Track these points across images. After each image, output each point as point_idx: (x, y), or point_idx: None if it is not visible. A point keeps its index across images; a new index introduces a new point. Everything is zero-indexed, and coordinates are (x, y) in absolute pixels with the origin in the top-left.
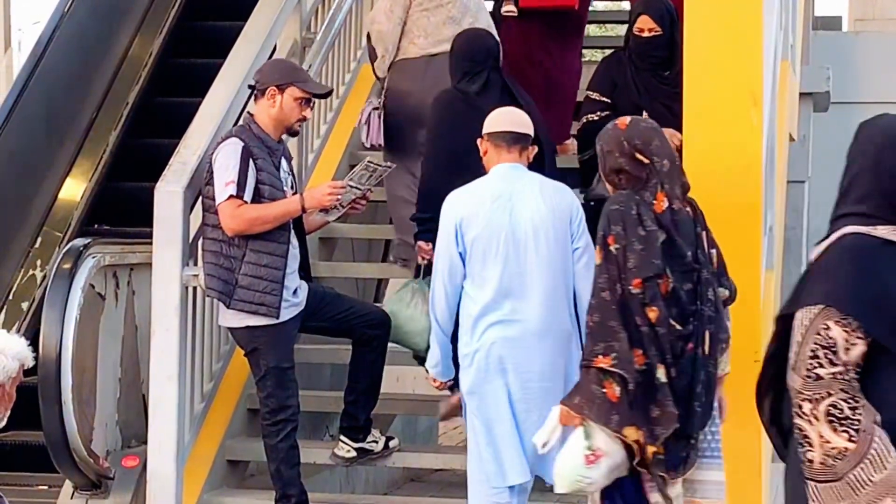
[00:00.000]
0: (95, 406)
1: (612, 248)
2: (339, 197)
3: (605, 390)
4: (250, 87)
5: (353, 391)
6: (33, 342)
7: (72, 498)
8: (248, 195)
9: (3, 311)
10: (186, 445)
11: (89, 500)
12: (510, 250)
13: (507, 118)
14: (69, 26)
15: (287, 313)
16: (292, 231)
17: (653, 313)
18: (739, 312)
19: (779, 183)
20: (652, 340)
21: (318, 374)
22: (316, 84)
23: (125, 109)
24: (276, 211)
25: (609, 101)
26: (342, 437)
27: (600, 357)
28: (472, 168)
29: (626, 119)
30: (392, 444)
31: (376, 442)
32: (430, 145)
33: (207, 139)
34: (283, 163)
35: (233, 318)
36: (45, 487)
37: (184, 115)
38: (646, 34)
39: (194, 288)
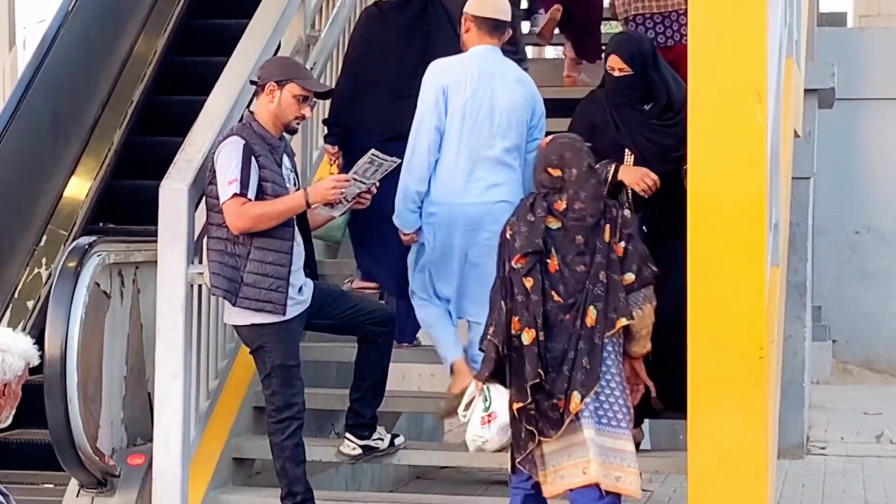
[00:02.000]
0: (101, 404)
1: (507, 235)
2: (344, 191)
3: (494, 356)
4: (252, 82)
5: (358, 389)
6: (38, 340)
7: (77, 496)
8: (251, 193)
9: (9, 309)
10: (192, 443)
11: (95, 498)
12: (484, 125)
13: (493, 5)
14: (74, 25)
15: (293, 311)
16: (297, 228)
17: (528, 282)
18: (744, 309)
19: (784, 179)
20: (525, 307)
21: (323, 371)
22: (316, 82)
23: (130, 108)
24: (281, 207)
25: (589, 144)
26: (348, 435)
27: (490, 330)
28: (381, 82)
29: (548, 139)
30: (398, 441)
31: (382, 439)
32: (346, 58)
33: (212, 137)
34: (286, 159)
35: (238, 316)
36: (51, 486)
37: (188, 114)
38: (616, 73)
39: (199, 286)
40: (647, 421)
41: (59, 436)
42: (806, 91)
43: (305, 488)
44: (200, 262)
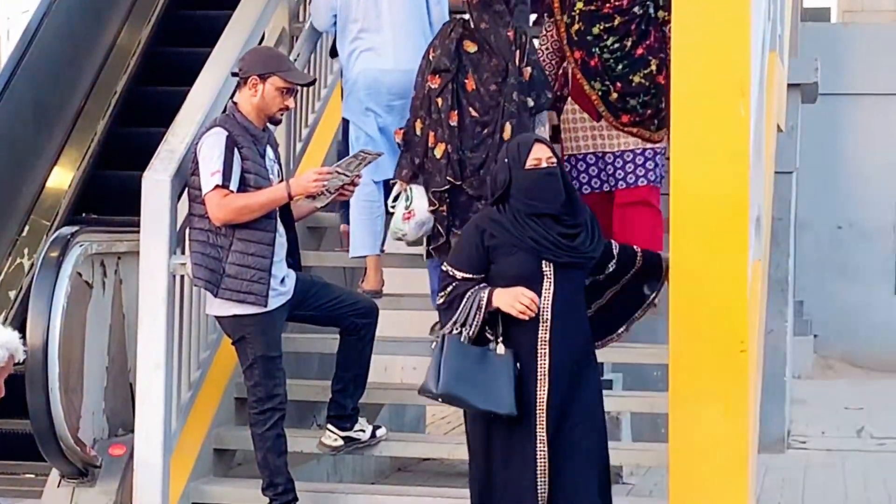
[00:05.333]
0: (82, 394)
1: (430, 56)
2: (326, 183)
3: (408, 162)
4: (234, 74)
5: (340, 380)
6: (20, 331)
7: (58, 486)
8: (233, 184)
9: None
10: (173, 434)
11: (76, 488)
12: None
13: None
14: (57, 15)
15: (274, 302)
16: (279, 219)
17: (440, 101)
18: (726, 303)
19: (766, 174)
20: (439, 124)
21: (305, 362)
22: (299, 74)
23: (113, 98)
24: (263, 199)
25: (481, 275)
26: (329, 426)
27: (399, 131)
28: None
29: None
30: (379, 433)
31: (363, 431)
32: None
33: (195, 128)
34: (269, 150)
35: (220, 307)
36: (32, 476)
37: (172, 104)
38: (545, 164)
39: (181, 276)
40: (628, 414)
41: (40, 426)
42: (789, 86)
43: (287, 479)
44: (183, 252)
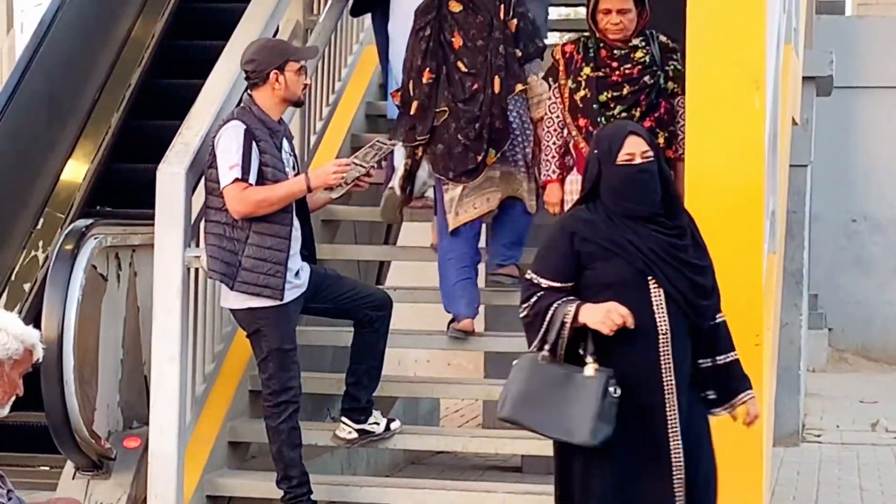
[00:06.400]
0: (97, 387)
1: (417, 19)
2: (344, 175)
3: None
4: (247, 76)
5: (354, 373)
6: (35, 323)
7: (73, 479)
8: (252, 178)
9: (6, 292)
10: (188, 426)
11: (91, 480)
12: None
13: None
14: (71, 8)
15: (289, 294)
16: (294, 212)
17: (426, 74)
18: (741, 296)
19: (781, 167)
20: (416, 83)
21: (319, 355)
22: (304, 50)
23: (127, 91)
24: (282, 192)
25: (570, 284)
26: (343, 419)
27: (395, 93)
28: None
29: None
30: (393, 426)
31: (378, 424)
32: None
33: (210, 120)
34: (285, 143)
35: (235, 300)
36: (47, 468)
37: (186, 97)
38: (639, 160)
39: (196, 269)
40: None
41: (55, 418)
42: (804, 79)
43: (301, 472)
44: (197, 245)
